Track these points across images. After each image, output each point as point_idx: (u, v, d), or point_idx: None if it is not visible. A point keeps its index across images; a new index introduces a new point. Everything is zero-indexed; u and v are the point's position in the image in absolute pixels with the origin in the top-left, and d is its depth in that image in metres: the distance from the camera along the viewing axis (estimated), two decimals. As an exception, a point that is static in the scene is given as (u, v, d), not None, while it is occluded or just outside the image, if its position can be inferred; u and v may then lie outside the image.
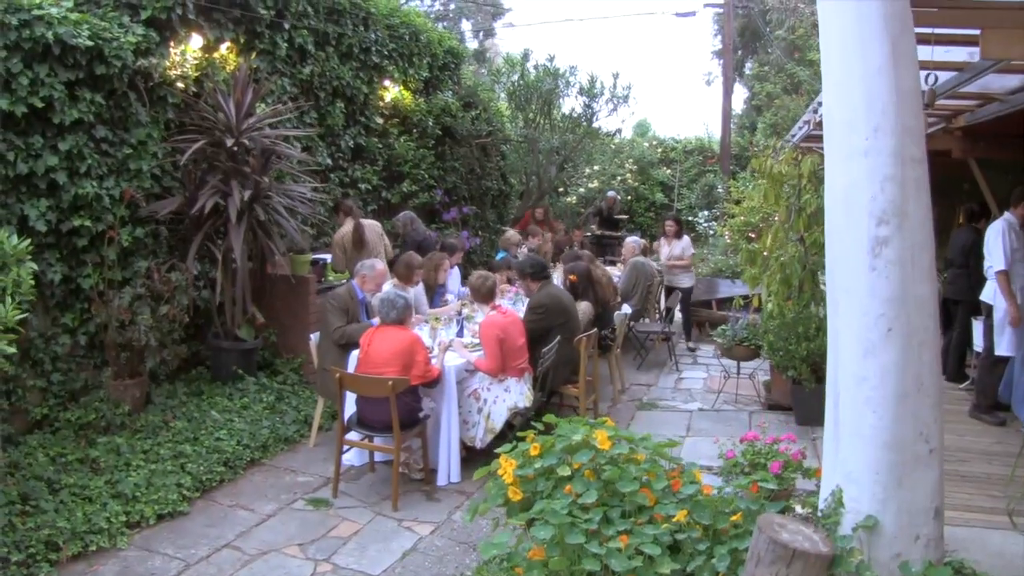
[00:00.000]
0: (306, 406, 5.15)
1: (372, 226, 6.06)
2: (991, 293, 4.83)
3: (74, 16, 4.42)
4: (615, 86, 8.46)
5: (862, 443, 2.42)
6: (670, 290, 7.55)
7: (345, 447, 4.20)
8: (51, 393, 4.42)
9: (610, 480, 2.76)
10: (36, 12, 4.17)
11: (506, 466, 2.98)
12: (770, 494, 2.62)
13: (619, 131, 9.93)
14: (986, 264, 4.86)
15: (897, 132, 2.35)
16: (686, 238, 7.84)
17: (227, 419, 4.68)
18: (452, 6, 17.23)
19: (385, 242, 6.10)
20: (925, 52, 3.52)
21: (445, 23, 16.96)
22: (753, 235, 7.32)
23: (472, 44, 17.82)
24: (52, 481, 3.81)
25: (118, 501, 3.76)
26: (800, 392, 4.86)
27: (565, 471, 2.87)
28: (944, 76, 3.87)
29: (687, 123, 40.88)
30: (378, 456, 4.38)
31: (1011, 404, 5.00)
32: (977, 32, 3.06)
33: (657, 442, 3.06)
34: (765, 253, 5.30)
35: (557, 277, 6.88)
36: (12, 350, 3.24)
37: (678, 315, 7.78)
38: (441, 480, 4.26)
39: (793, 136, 7.11)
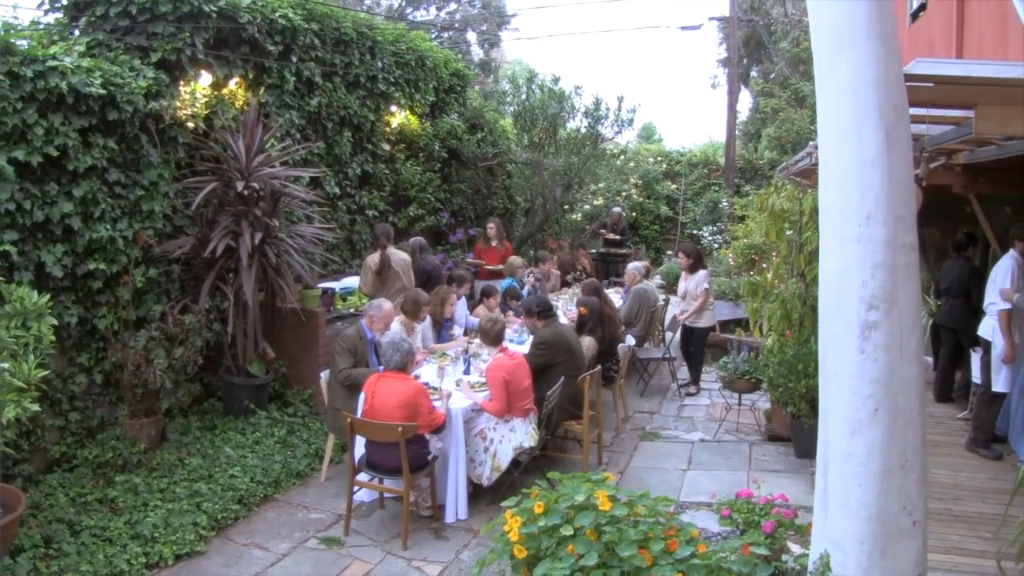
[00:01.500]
0: (316, 439, 5.28)
1: (400, 260, 6.11)
2: (990, 329, 4.89)
3: (86, 63, 4.53)
4: (620, 108, 8.52)
5: (848, 514, 2.53)
6: (686, 331, 6.75)
7: (356, 487, 4.32)
8: (69, 431, 4.56)
9: (611, 542, 2.88)
10: (51, 63, 4.28)
11: (512, 523, 3.11)
12: (761, 559, 2.72)
13: (623, 152, 9.97)
14: (988, 300, 4.91)
15: (889, 221, 2.43)
16: (702, 272, 6.74)
17: (240, 455, 4.81)
18: (458, 16, 17.25)
19: (411, 276, 6.14)
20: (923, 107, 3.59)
21: (450, 32, 16.98)
22: (756, 257, 7.39)
23: (477, 52, 17.85)
24: (73, 523, 3.95)
25: (137, 542, 3.89)
26: (799, 427, 4.96)
27: (568, 530, 2.98)
28: (942, 128, 3.94)
29: (693, 126, 40.70)
30: (387, 482, 4.49)
31: (1007, 436, 5.09)
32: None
33: (655, 498, 3.18)
34: (767, 287, 5.38)
35: (563, 302, 6.98)
36: (36, 408, 3.38)
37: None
38: (449, 517, 4.38)
39: (797, 162, 7.15)
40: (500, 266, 7.65)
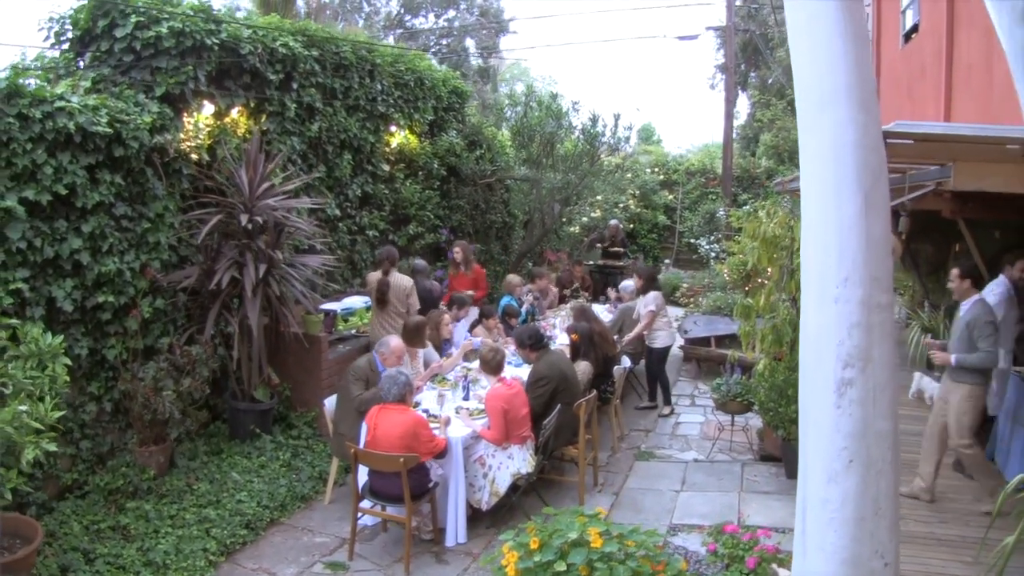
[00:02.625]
0: (320, 461, 5.42)
1: (399, 286, 6.11)
2: None
3: (92, 101, 4.64)
4: (616, 126, 8.62)
5: (824, 556, 2.68)
6: (647, 352, 6.74)
7: (359, 514, 4.47)
8: (80, 459, 4.70)
9: (602, 579, 3.04)
10: (58, 104, 4.39)
11: (509, 557, 3.27)
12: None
13: (620, 166, 10.07)
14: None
15: (865, 282, 2.56)
16: (651, 294, 6.72)
17: (247, 480, 4.96)
18: (456, 24, 17.30)
19: (410, 301, 6.16)
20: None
21: (449, 40, 17.04)
22: (752, 272, 7.50)
23: (476, 59, 17.91)
24: (87, 551, 4.10)
25: (150, 569, 4.04)
26: (789, 449, 5.09)
27: (561, 566, 3.14)
28: (927, 167, 4.06)
29: (692, 126, 40.61)
30: (389, 509, 4.63)
31: (994, 457, 5.22)
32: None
33: (646, 531, 3.35)
34: (759, 310, 5.50)
35: (560, 320, 7.10)
36: (54, 447, 3.52)
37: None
38: (449, 541, 4.53)
39: (792, 180, 7.25)
40: (471, 292, 7.28)
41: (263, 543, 4.56)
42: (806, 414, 2.75)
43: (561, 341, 6.23)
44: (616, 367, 5.87)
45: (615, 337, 6.46)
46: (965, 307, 4.40)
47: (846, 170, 2.58)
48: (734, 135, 14.66)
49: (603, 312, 7.51)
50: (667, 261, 12.34)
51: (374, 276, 6.22)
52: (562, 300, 8.35)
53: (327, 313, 6.22)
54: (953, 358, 4.36)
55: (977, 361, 4.27)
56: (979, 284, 5.79)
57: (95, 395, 4.77)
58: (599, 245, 10.30)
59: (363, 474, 4.44)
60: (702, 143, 20.05)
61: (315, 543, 4.58)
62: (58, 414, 3.55)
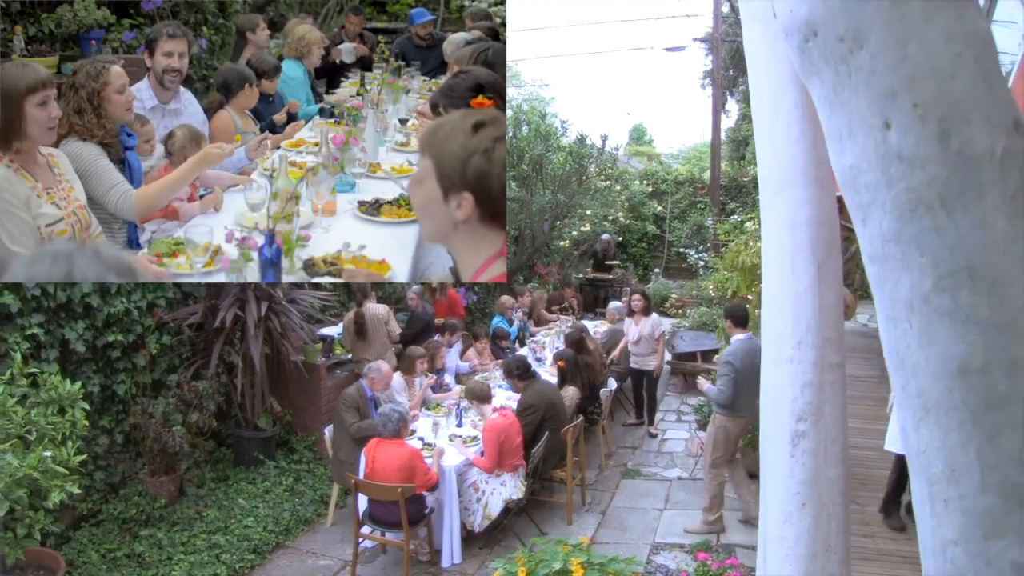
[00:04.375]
0: (321, 484, 5.69)
1: (375, 316, 6.27)
2: None
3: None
4: (604, 145, 8.82)
5: (782, 588, 2.97)
6: (638, 374, 6.88)
7: (360, 539, 4.74)
8: (94, 488, 4.96)
9: (584, 608, 3.33)
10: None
11: (499, 586, 3.57)
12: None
13: (609, 178, 10.29)
14: None
15: (818, 344, 2.83)
16: (655, 315, 6.98)
17: (252, 506, 5.22)
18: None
19: (389, 328, 6.33)
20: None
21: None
22: (735, 290, 7.74)
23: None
24: (105, 580, 4.38)
25: (164, 596, 4.32)
26: (767, 467, 5.37)
27: (547, 596, 3.44)
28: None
29: (682, 125, 40.89)
30: (388, 535, 4.90)
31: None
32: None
33: (625, 558, 3.66)
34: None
35: (550, 339, 7.35)
36: (77, 490, 3.77)
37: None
38: (445, 562, 4.81)
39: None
40: (447, 319, 7.07)
41: (270, 566, 4.83)
42: (765, 460, 3.04)
43: (550, 362, 6.47)
44: (603, 390, 6.14)
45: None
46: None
47: (801, 244, 2.85)
48: (725, 137, 14.89)
49: (592, 328, 7.72)
50: (657, 271, 12.61)
51: (350, 315, 6.21)
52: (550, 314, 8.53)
53: (325, 339, 6.46)
54: (706, 387, 4.98)
55: (713, 395, 4.88)
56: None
57: (107, 428, 5.02)
58: (590, 265, 10.44)
59: (363, 501, 4.71)
60: (693, 143, 20.33)
61: (319, 566, 4.85)
62: (80, 458, 3.80)
